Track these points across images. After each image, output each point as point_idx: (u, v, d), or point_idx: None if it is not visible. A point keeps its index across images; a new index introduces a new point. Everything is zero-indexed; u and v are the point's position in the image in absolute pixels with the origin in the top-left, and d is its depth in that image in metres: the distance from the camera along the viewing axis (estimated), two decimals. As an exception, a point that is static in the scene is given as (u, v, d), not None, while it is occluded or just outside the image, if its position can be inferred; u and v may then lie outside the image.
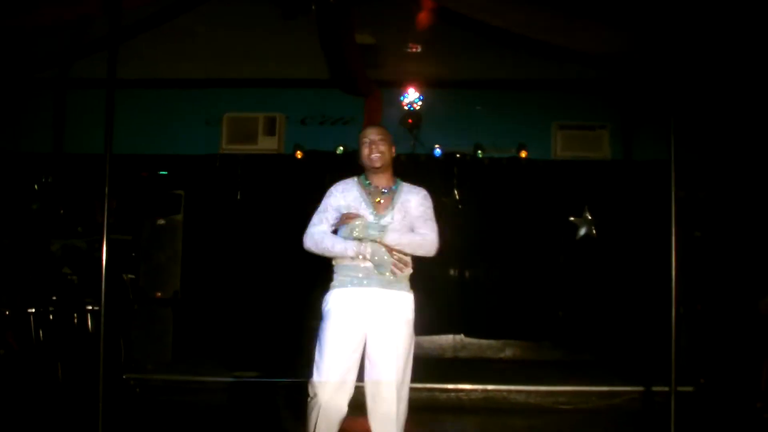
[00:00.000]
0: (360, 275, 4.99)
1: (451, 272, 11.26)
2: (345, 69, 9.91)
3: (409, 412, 5.00)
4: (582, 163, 11.09)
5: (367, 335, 4.93)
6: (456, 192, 11.14)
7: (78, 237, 11.30)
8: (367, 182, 5.21)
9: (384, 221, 5.03)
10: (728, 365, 9.12)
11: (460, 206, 11.04)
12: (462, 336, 11.25)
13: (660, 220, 6.96)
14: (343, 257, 5.02)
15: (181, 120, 11.32)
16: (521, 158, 11.00)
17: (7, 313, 9.29)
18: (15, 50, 9.38)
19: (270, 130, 11.13)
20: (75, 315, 10.20)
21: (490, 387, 8.92)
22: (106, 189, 6.94)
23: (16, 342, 9.65)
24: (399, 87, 10.98)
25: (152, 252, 10.61)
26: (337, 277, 5.08)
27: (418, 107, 10.97)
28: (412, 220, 5.13)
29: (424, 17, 8.50)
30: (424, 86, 10.98)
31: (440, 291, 10.94)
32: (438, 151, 10.99)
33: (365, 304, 4.94)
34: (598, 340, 10.74)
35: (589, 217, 11.05)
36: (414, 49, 9.76)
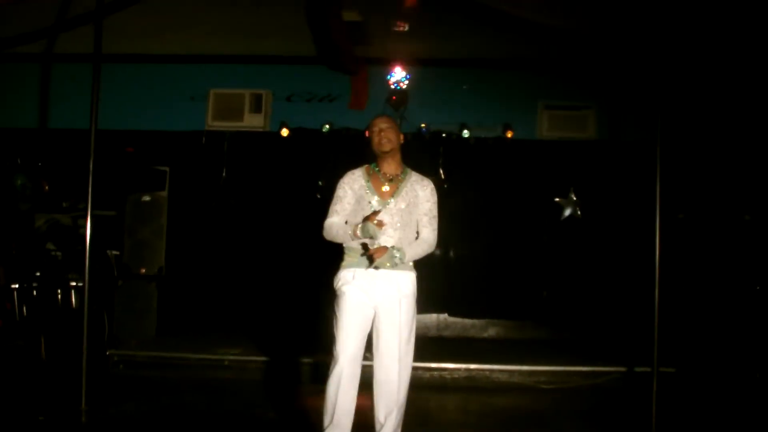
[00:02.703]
0: (364, 257, 5.29)
1: (436, 251, 11.20)
2: (332, 46, 9.89)
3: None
4: (567, 144, 11.10)
5: (376, 310, 5.30)
6: (441, 171, 11.13)
7: (62, 212, 11.26)
8: (377, 168, 5.54)
9: (388, 207, 5.34)
10: (711, 346, 9.19)
11: (445, 185, 11.03)
12: (446, 315, 11.28)
13: (645, 201, 6.99)
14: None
15: (166, 96, 11.26)
16: (507, 138, 11.00)
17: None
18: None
19: (256, 107, 11.10)
20: (59, 291, 10.19)
21: (472, 366, 8.95)
22: (91, 164, 6.94)
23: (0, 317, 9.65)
24: (386, 65, 10.95)
25: (137, 228, 10.57)
26: (347, 258, 5.40)
27: (404, 86, 10.94)
28: (418, 213, 5.52)
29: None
30: (411, 65, 10.95)
31: (425, 270, 10.85)
32: (424, 130, 10.99)
33: (373, 283, 5.28)
34: (582, 320, 10.79)
35: (574, 198, 11.07)
36: (401, 28, 9.73)
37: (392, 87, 10.97)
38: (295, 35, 10.01)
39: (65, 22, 9.48)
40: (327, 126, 10.87)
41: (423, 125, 10.97)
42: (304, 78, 11.20)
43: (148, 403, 7.57)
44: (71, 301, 10.22)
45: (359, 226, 5.19)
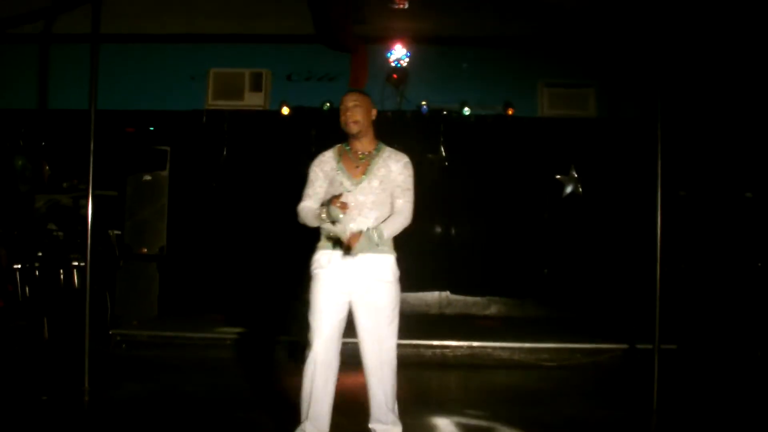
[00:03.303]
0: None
1: (438, 229, 11.27)
2: (331, 25, 9.86)
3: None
4: (568, 121, 11.08)
5: (350, 296, 5.14)
6: (442, 149, 11.12)
7: (63, 193, 11.26)
8: (348, 148, 5.37)
9: (361, 186, 5.18)
10: (712, 323, 9.21)
11: (446, 163, 11.03)
12: (448, 293, 11.30)
13: (646, 179, 6.98)
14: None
15: (166, 75, 11.25)
16: (507, 116, 10.99)
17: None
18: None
19: (256, 86, 11.08)
20: (61, 271, 10.22)
21: (474, 343, 8.96)
22: (92, 145, 6.93)
23: (1, 298, 9.66)
24: (385, 43, 10.92)
25: (138, 208, 10.57)
26: (323, 240, 5.23)
27: (404, 64, 10.92)
28: (392, 186, 5.26)
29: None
30: (411, 43, 10.92)
31: (426, 248, 10.97)
32: (425, 108, 10.97)
33: (347, 266, 5.12)
34: (583, 297, 10.80)
35: (575, 175, 11.05)
36: (401, 5, 9.69)
37: (392, 65, 10.95)
38: (294, 14, 9.98)
39: (64, 2, 9.45)
40: (327, 104, 10.85)
41: (423, 103, 10.95)
42: (303, 57, 11.17)
43: (150, 382, 7.59)
44: (73, 282, 10.25)
45: (324, 209, 5.05)
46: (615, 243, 10.68)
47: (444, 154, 11.11)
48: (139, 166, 10.65)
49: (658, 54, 7.22)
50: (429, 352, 8.89)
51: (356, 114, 5.26)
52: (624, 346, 8.76)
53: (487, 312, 11.29)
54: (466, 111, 10.95)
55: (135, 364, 8.52)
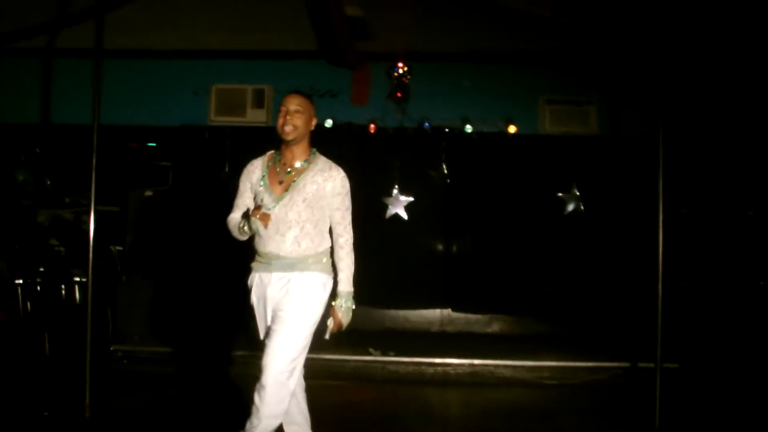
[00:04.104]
0: (265, 259, 5.03)
1: (439, 246, 11.26)
2: (333, 41, 9.87)
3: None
4: (570, 138, 11.07)
5: (273, 308, 4.99)
6: (444, 166, 11.12)
7: (65, 208, 11.27)
8: (278, 157, 5.16)
9: (282, 203, 4.93)
10: (715, 342, 9.18)
11: (448, 180, 11.03)
12: (449, 310, 11.27)
13: (647, 196, 6.98)
14: (255, 239, 5.06)
15: (168, 91, 11.25)
16: (509, 133, 10.99)
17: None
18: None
19: (258, 102, 11.09)
20: (62, 286, 10.21)
21: (476, 361, 8.95)
22: (94, 160, 6.94)
23: (2, 312, 9.65)
24: (387, 60, 10.94)
25: (139, 224, 10.57)
26: (254, 260, 5.13)
27: (406, 80, 10.93)
28: (323, 207, 5.01)
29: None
30: (413, 59, 10.93)
31: (428, 265, 10.98)
32: (426, 125, 10.97)
33: (269, 285, 4.99)
34: (585, 314, 10.77)
35: (577, 193, 11.03)
36: (403, 22, 9.71)
37: (394, 81, 10.96)
38: (296, 30, 10.00)
39: (67, 17, 9.47)
40: (330, 121, 10.85)
41: (425, 120, 10.95)
42: (305, 73, 11.16)
43: (151, 397, 7.58)
44: (75, 297, 10.24)
45: (244, 221, 4.87)
46: (617, 260, 10.66)
47: (446, 171, 11.10)
48: (141, 181, 10.66)
49: (658, 70, 7.23)
50: (430, 369, 8.88)
51: (296, 119, 5.04)
52: (626, 364, 8.76)
53: (489, 329, 11.26)
54: (468, 128, 10.95)
55: (136, 379, 8.51)
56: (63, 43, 10.48)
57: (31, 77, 11.19)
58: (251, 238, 5.05)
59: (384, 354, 8.94)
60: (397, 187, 10.86)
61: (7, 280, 10.06)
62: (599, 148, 11.07)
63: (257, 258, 5.06)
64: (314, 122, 5.17)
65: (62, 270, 10.31)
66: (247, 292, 5.19)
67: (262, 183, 5.03)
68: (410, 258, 10.94)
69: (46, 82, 11.13)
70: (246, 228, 4.82)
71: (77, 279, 10.16)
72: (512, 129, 10.95)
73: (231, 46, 10.92)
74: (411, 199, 10.88)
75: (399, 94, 10.86)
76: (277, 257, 4.93)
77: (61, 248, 10.81)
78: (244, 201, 5.13)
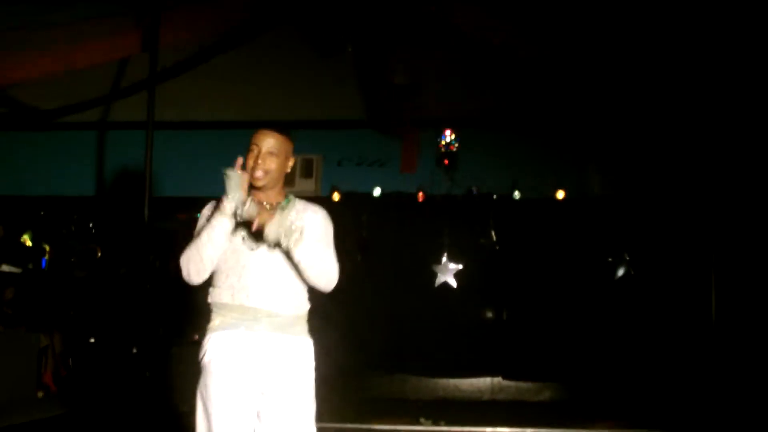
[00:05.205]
0: (246, 316, 3.88)
1: (489, 314, 11.19)
2: (381, 109, 9.95)
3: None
4: (618, 200, 10.98)
5: (263, 394, 3.85)
6: (492, 233, 11.08)
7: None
8: (250, 200, 4.03)
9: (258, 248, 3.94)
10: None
11: (497, 247, 10.98)
12: (500, 378, 11.14)
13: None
14: (222, 273, 3.95)
15: (217, 162, 11.32)
16: (557, 198, 10.93)
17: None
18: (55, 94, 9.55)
19: (307, 172, 11.16)
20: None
21: (528, 430, 8.82)
22: (144, 232, 7.02)
23: (54, 383, 9.72)
24: (435, 127, 10.98)
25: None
26: (217, 316, 3.94)
27: (454, 148, 10.95)
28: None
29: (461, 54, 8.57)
30: (460, 126, 10.96)
31: (478, 332, 10.90)
32: (474, 192, 10.96)
33: (256, 354, 3.84)
34: (639, 384, 10.58)
35: (627, 258, 10.92)
36: (450, 89, 9.77)
37: (442, 149, 10.98)
38: (344, 100, 10.11)
39: (119, 90, 9.67)
40: (378, 189, 10.86)
41: (473, 187, 10.94)
42: (354, 142, 11.25)
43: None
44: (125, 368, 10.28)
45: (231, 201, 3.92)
46: (670, 328, 10.50)
47: (495, 238, 11.06)
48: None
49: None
50: (482, 440, 8.77)
51: (268, 162, 4.17)
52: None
53: (540, 397, 11.10)
54: (516, 194, 10.91)
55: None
56: (115, 116, 10.68)
57: (86, 149, 11.38)
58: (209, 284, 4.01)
59: (435, 423, 8.85)
60: (445, 254, 10.84)
61: (60, 352, 10.16)
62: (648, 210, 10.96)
63: (227, 313, 3.91)
64: (291, 163, 4.34)
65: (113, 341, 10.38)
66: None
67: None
68: (460, 325, 10.88)
69: (100, 154, 11.32)
70: (240, 211, 3.89)
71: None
72: (560, 194, 10.90)
73: (280, 116, 11.03)
74: (460, 266, 10.84)
75: (446, 161, 10.88)
76: (268, 315, 3.88)
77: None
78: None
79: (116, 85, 9.53)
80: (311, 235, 4.01)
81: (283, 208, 4.06)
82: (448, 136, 10.91)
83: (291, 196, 4.29)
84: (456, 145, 10.94)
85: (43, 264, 11.62)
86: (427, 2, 8.08)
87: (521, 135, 11.16)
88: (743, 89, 8.02)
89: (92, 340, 10.24)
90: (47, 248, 11.62)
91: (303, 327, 4.02)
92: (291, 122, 11.03)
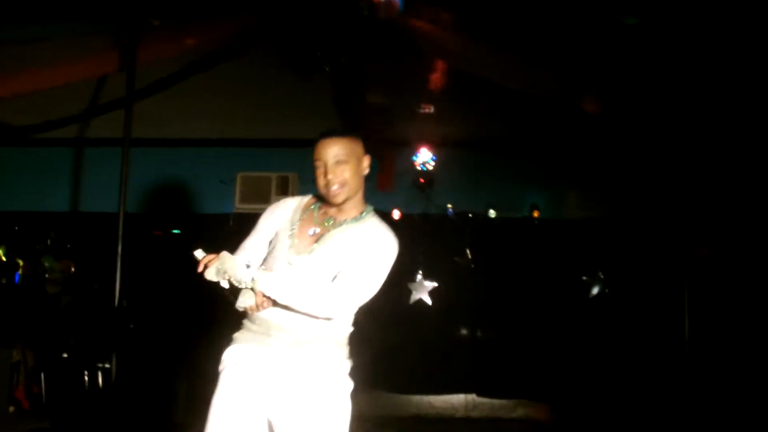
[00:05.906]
0: (261, 329, 3.59)
1: (464, 331, 11.22)
2: (358, 129, 9.97)
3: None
4: (594, 222, 11.06)
5: (270, 419, 3.55)
6: (468, 251, 11.12)
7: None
8: (317, 205, 3.82)
9: (305, 257, 3.58)
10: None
11: (472, 265, 11.02)
12: (474, 395, 11.17)
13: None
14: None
15: (194, 179, 11.37)
16: (533, 218, 11.00)
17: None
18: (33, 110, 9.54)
19: (283, 190, 11.15)
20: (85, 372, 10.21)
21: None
22: (119, 248, 7.02)
23: (27, 400, 9.66)
24: (411, 147, 11.01)
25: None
26: (242, 329, 3.71)
27: (431, 167, 10.98)
28: (344, 265, 3.57)
29: (436, 78, 8.58)
30: (437, 146, 11.00)
31: (452, 350, 10.92)
32: (450, 211, 11.01)
33: (267, 371, 3.55)
34: (614, 403, 10.62)
35: (602, 276, 10.98)
36: (426, 110, 9.81)
37: (418, 168, 11.01)
38: (321, 118, 10.10)
39: (96, 107, 9.66)
40: (354, 207, 10.87)
41: (449, 206, 10.99)
42: (330, 160, 11.25)
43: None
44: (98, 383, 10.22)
45: (220, 268, 3.51)
46: (648, 346, 10.54)
47: (470, 256, 11.10)
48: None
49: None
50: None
51: (341, 173, 3.64)
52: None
53: (514, 414, 11.12)
54: (492, 213, 10.98)
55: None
56: (92, 133, 10.67)
57: (62, 166, 11.37)
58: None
59: (409, 441, 8.88)
60: (420, 272, 10.88)
61: (32, 367, 10.09)
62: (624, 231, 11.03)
63: (248, 325, 3.69)
64: (367, 162, 3.78)
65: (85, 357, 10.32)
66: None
67: (290, 228, 3.70)
68: (435, 343, 10.89)
69: (76, 171, 11.30)
70: (228, 293, 3.46)
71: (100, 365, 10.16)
72: (536, 214, 10.97)
73: (256, 134, 11.06)
74: (435, 284, 10.89)
75: (422, 180, 10.92)
76: (279, 329, 3.54)
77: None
78: (255, 243, 3.83)
79: (94, 101, 9.52)
80: (355, 259, 3.55)
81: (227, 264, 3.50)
82: (424, 154, 10.95)
83: (369, 209, 3.79)
84: (432, 164, 10.98)
85: (17, 279, 11.54)
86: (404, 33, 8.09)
87: (496, 155, 11.22)
88: (716, 118, 8.08)
89: (65, 356, 10.15)
90: (21, 263, 11.55)
91: (326, 347, 3.55)
92: (267, 140, 11.11)
